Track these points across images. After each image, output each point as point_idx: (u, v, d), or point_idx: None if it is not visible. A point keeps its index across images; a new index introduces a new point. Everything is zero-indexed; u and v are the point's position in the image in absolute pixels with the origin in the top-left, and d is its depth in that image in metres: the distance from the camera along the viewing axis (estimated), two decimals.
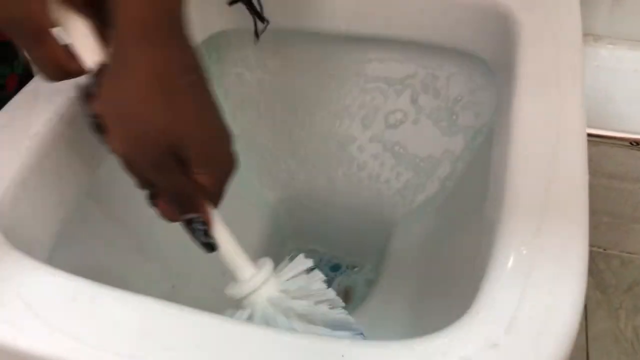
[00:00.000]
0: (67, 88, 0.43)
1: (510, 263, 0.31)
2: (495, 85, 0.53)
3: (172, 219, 0.36)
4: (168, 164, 0.32)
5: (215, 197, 0.36)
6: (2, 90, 0.62)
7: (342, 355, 0.28)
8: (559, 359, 0.27)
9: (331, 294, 0.40)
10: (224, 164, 0.36)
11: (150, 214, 0.51)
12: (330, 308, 0.39)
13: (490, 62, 0.53)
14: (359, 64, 0.60)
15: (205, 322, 0.30)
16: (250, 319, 0.37)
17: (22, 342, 0.29)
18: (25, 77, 0.66)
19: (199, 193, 0.35)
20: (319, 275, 0.40)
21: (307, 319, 0.37)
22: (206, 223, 0.36)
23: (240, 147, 0.65)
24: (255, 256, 0.62)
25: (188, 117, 0.32)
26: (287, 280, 0.39)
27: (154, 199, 0.36)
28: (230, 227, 0.65)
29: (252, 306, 0.38)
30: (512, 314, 0.29)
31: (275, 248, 0.66)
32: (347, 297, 0.65)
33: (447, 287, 0.49)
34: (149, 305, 0.30)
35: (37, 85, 0.43)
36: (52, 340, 0.29)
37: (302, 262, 0.40)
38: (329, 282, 0.66)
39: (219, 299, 0.56)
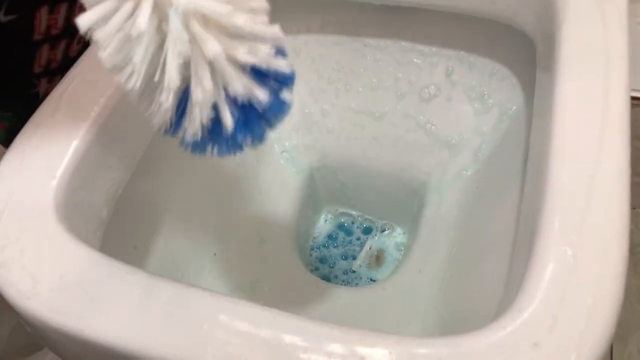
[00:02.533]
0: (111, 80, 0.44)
1: (553, 262, 0.31)
2: (533, 57, 0.52)
3: None
4: None
5: None
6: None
7: (390, 353, 0.29)
8: (599, 359, 0.29)
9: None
10: None
11: (194, 184, 0.52)
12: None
13: (530, 33, 0.52)
14: (395, 34, 0.59)
15: (262, 315, 0.31)
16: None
17: (89, 333, 0.31)
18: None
19: None
20: None
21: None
22: None
23: None
24: (289, 217, 0.65)
25: None
26: None
27: None
28: (264, 189, 0.67)
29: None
30: (555, 314, 0.30)
31: (309, 211, 0.68)
32: (379, 260, 0.67)
33: (479, 263, 0.51)
34: (206, 299, 0.32)
35: (80, 71, 0.44)
36: (116, 333, 0.31)
37: None
38: (361, 245, 0.68)
39: (256, 266, 0.59)
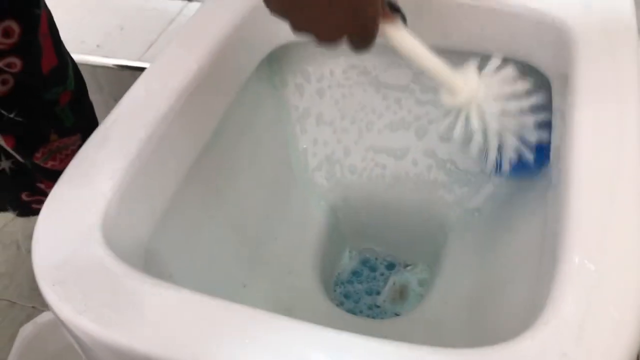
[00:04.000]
0: (154, 107, 0.47)
1: (576, 277, 0.33)
2: (549, 94, 0.55)
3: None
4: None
5: None
6: (56, 105, 0.67)
7: None
8: None
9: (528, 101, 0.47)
10: None
11: (225, 220, 0.53)
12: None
13: (546, 71, 0.55)
14: (416, 73, 0.62)
15: (301, 330, 0.33)
16: (467, 122, 0.46)
17: (139, 346, 0.33)
18: (77, 92, 0.71)
19: None
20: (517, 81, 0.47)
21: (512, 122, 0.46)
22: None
23: (300, 152, 0.69)
24: (314, 253, 0.66)
25: None
26: (494, 84, 0.46)
27: None
28: (290, 225, 0.69)
29: (467, 110, 0.46)
30: (581, 325, 0.31)
31: (334, 248, 0.69)
32: (403, 295, 0.68)
33: (504, 292, 0.52)
34: (254, 315, 0.34)
35: (124, 109, 0.47)
36: (166, 347, 0.32)
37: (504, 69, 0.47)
38: (385, 280, 0.70)
39: (284, 298, 0.60)
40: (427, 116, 0.65)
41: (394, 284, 0.69)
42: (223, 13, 0.57)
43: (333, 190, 0.69)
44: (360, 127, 0.68)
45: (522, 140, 0.49)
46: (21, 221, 1.01)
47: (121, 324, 0.34)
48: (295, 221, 0.66)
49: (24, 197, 0.78)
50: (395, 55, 0.63)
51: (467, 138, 0.49)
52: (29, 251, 0.99)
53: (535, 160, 0.51)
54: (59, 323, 0.36)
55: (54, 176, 0.74)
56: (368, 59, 0.65)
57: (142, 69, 0.98)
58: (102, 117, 0.81)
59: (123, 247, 0.40)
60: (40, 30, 0.60)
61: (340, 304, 0.67)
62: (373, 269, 0.71)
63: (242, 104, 0.59)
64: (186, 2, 1.10)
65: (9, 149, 0.70)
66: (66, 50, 0.68)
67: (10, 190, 0.78)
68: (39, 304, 0.93)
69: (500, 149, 0.49)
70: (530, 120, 0.48)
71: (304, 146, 0.69)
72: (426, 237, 0.69)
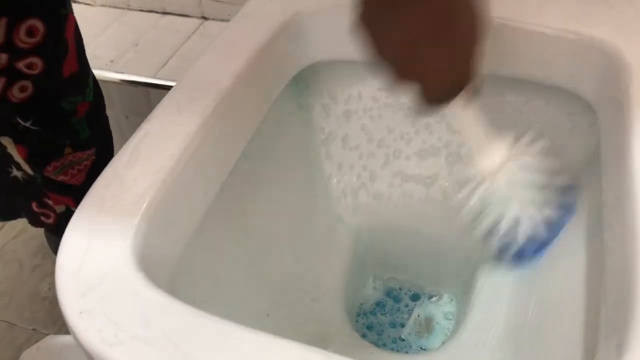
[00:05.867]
0: (184, 124, 0.45)
1: None
2: (594, 124, 0.53)
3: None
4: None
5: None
6: (74, 116, 0.65)
7: None
8: None
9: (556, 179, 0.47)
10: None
11: (247, 248, 0.50)
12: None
13: (588, 97, 0.52)
14: None
15: None
16: (489, 191, 0.47)
17: None
18: (95, 105, 0.69)
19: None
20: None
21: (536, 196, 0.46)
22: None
23: (325, 176, 0.66)
24: (339, 281, 0.63)
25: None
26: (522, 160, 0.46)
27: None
28: (314, 252, 0.66)
29: (491, 179, 0.46)
30: None
31: (357, 274, 0.67)
32: (428, 328, 0.65)
33: (544, 330, 0.49)
34: (293, 350, 0.31)
35: (153, 125, 0.45)
36: None
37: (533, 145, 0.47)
38: (409, 312, 0.67)
39: (308, 328, 0.57)
40: (458, 143, 0.63)
41: (418, 316, 0.66)
42: (251, 31, 0.55)
43: (358, 217, 0.67)
44: (387, 153, 0.66)
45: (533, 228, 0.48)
46: (24, 239, 0.98)
47: (155, 358, 0.31)
48: (319, 248, 0.63)
49: (34, 207, 0.76)
50: None
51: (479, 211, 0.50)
52: (32, 270, 0.96)
53: (535, 253, 0.51)
54: (82, 354, 0.33)
55: (63, 190, 0.72)
56: None
57: (155, 86, 0.96)
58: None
59: (154, 272, 0.37)
60: (66, 32, 0.59)
61: (363, 336, 0.64)
62: (397, 299, 0.68)
63: (268, 125, 0.57)
64: (202, 20, 1.09)
65: (20, 160, 0.68)
66: (87, 61, 0.66)
67: (22, 197, 0.76)
68: (40, 327, 0.89)
69: (506, 235, 0.48)
70: (545, 212, 0.47)
71: (329, 170, 0.66)
72: (453, 269, 0.66)
